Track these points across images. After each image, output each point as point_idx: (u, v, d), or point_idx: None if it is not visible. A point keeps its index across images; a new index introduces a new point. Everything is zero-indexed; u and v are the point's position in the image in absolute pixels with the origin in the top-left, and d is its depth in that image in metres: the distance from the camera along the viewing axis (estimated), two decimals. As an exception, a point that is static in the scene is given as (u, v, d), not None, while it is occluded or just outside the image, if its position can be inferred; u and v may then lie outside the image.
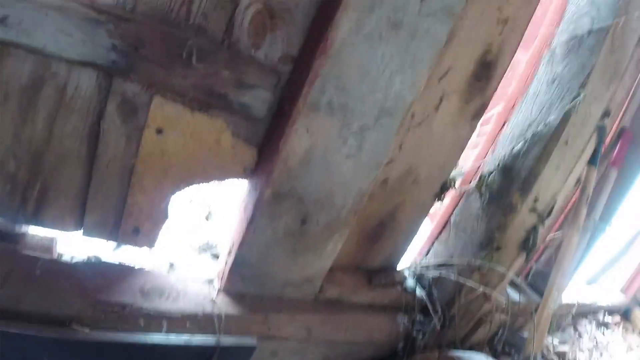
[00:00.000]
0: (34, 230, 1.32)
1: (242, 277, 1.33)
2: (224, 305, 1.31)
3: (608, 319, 2.34)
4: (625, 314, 2.49)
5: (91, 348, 1.15)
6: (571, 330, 2.12)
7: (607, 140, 1.57)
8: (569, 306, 2.02)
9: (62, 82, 1.05)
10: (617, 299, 2.39)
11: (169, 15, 1.04)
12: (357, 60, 1.11)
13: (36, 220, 1.22)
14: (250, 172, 1.29)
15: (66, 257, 1.45)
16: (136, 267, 1.35)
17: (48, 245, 1.32)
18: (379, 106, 1.19)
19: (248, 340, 1.25)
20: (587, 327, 2.21)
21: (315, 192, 1.25)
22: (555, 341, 1.81)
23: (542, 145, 1.43)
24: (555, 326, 1.87)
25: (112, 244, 1.38)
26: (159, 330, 1.23)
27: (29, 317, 1.12)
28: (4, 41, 0.96)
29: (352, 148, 1.22)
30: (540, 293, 1.67)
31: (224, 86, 1.14)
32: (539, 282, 1.71)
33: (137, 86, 1.10)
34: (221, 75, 1.13)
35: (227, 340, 1.23)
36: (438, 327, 1.48)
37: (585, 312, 2.21)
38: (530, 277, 1.68)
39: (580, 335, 2.14)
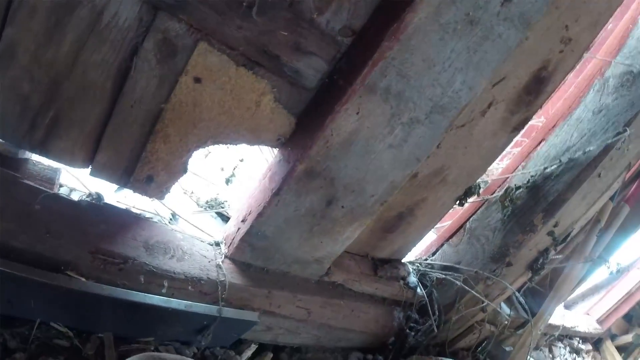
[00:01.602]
0: (37, 158, 1.21)
1: (253, 248, 1.27)
2: (228, 273, 1.25)
3: (581, 346, 2.43)
4: (597, 344, 2.59)
5: (83, 299, 1.07)
6: (546, 350, 2.19)
7: (627, 175, 1.57)
8: (552, 327, 2.08)
9: (100, 6, 0.93)
10: (592, 327, 2.48)
11: (236, -44, 0.93)
12: (427, 49, 1.05)
13: (42, 149, 1.12)
14: (283, 142, 1.21)
15: (65, 189, 1.34)
16: (142, 217, 1.27)
17: (50, 176, 1.22)
18: (434, 102, 1.13)
19: (250, 316, 1.20)
20: (561, 350, 2.29)
21: (348, 176, 1.19)
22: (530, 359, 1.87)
23: (575, 173, 1.42)
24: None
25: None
26: (159, 290, 1.17)
27: (21, 255, 1.03)
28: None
29: (396, 139, 1.17)
30: (528, 309, 1.70)
31: (279, 47, 1.05)
32: (528, 299, 1.74)
33: (184, 27, 0.99)
34: (279, 34, 1.04)
35: (229, 312, 1.18)
36: (435, 330, 1.48)
37: (561, 336, 2.28)
38: (521, 292, 1.71)
39: (553, 357, 2.21)
